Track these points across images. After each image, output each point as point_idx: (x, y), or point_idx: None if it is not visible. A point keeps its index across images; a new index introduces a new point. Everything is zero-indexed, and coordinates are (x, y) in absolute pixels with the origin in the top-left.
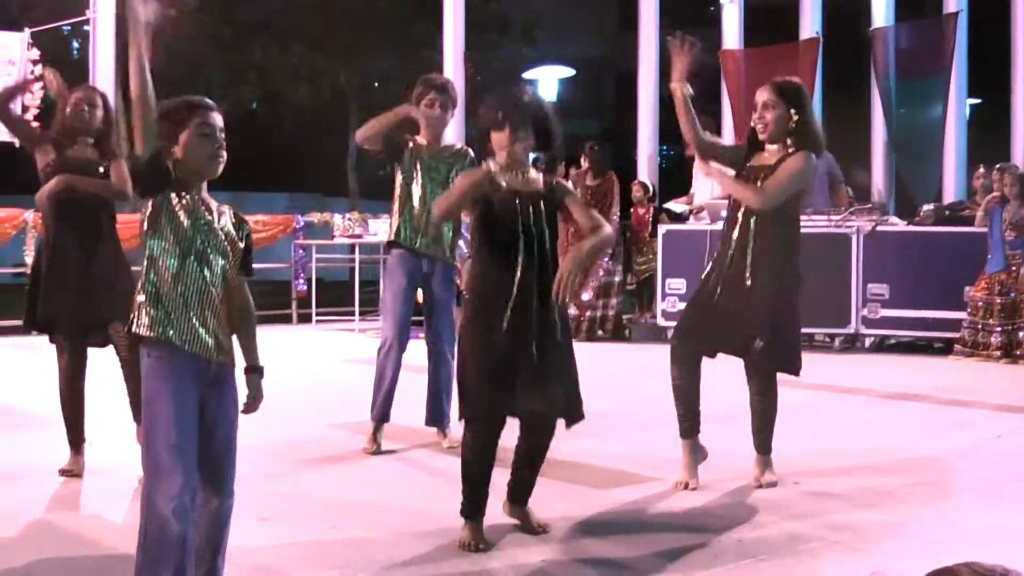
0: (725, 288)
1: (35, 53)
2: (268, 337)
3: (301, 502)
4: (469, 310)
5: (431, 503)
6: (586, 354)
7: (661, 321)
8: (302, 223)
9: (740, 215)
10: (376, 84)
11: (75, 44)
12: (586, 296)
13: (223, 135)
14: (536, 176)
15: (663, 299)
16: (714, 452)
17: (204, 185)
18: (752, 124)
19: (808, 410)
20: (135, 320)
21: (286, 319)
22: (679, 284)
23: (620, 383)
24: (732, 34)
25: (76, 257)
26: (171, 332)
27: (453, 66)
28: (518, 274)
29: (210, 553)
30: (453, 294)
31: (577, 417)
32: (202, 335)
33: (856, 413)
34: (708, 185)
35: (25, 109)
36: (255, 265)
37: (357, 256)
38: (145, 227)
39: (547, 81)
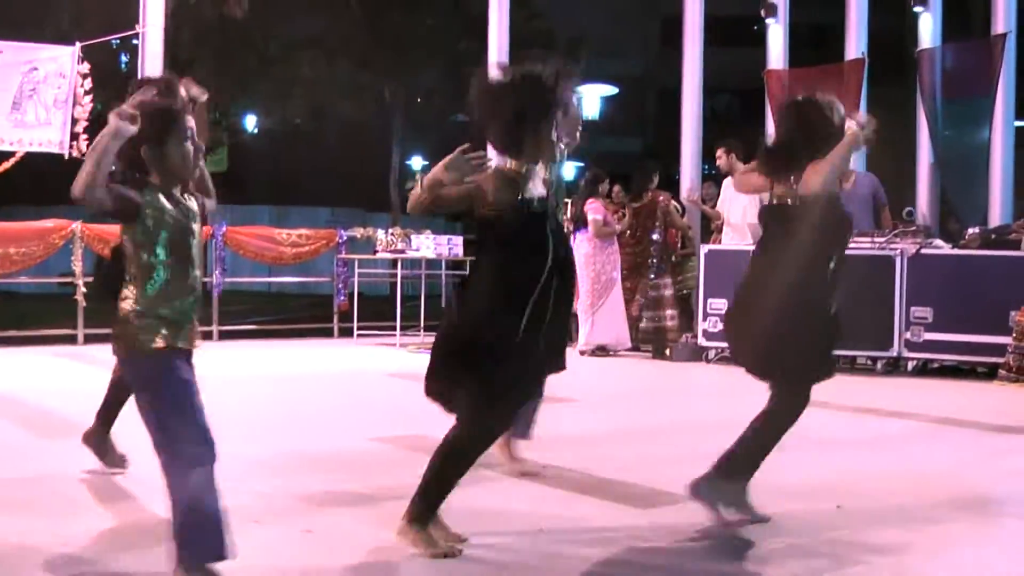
0: None
1: (85, 67)
2: (310, 351)
3: (345, 515)
4: None
5: (477, 518)
6: (629, 372)
7: (702, 341)
8: (345, 238)
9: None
10: (419, 100)
11: (124, 57)
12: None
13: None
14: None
15: (704, 319)
16: (756, 473)
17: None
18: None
19: (851, 433)
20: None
21: (327, 333)
22: (721, 304)
23: (663, 402)
24: (777, 54)
25: None
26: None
27: None
28: None
29: None
30: None
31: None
32: None
33: (899, 437)
34: (740, 204)
35: (75, 122)
36: (300, 279)
37: (399, 271)
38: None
39: (590, 99)
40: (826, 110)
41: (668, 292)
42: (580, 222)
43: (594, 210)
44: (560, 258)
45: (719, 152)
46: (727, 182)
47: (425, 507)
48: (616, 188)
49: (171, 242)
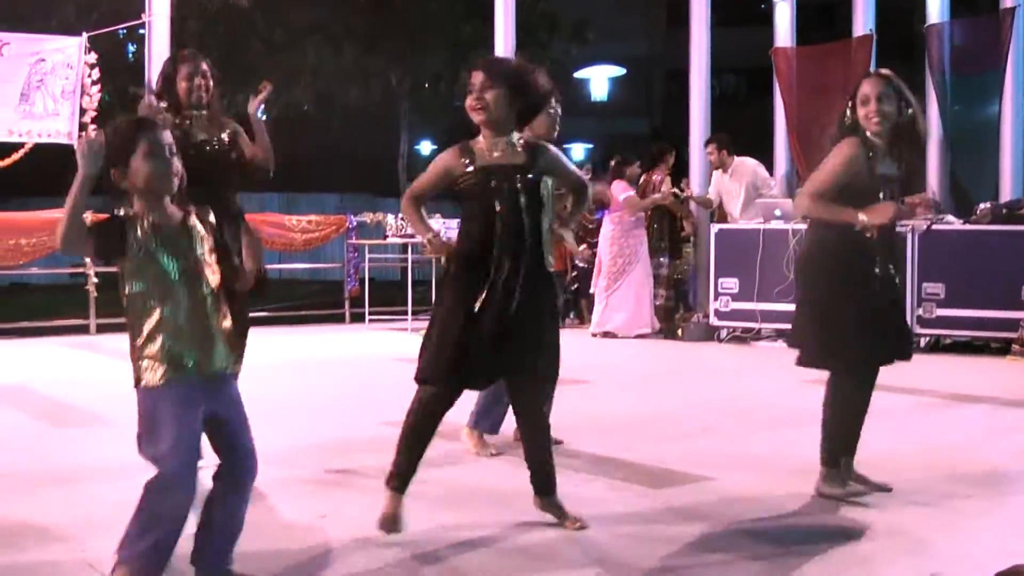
0: (892, 294)
1: (92, 57)
2: (321, 337)
3: (359, 499)
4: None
5: (484, 505)
6: (640, 352)
7: (714, 320)
8: (355, 223)
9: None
10: (426, 85)
11: (131, 47)
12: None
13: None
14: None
15: (715, 298)
16: (768, 452)
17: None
18: (862, 118)
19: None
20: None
21: (339, 319)
22: (731, 283)
23: (675, 382)
24: (784, 32)
25: None
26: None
27: None
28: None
29: None
30: None
31: None
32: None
33: (912, 414)
34: (737, 188)
35: (83, 112)
36: (310, 265)
37: (410, 256)
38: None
39: (598, 80)
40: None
41: (663, 272)
42: (604, 205)
43: (623, 188)
44: (513, 240)
45: (710, 148)
46: (716, 174)
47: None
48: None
49: (158, 276)
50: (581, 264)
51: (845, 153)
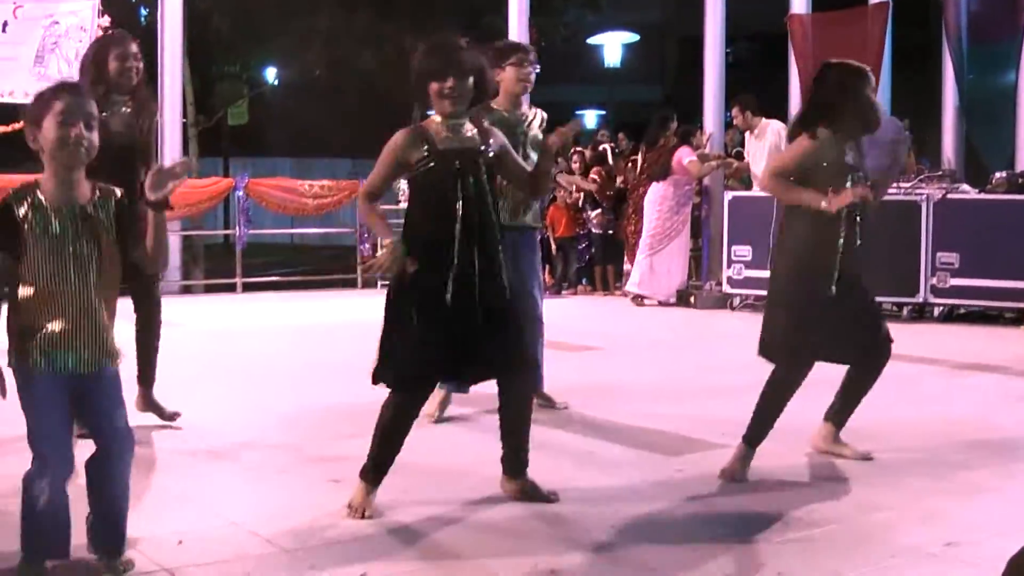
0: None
1: (106, 20)
2: (334, 301)
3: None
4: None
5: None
6: (652, 319)
7: (727, 288)
8: None
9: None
10: None
11: (143, 11)
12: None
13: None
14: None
15: (729, 266)
16: (781, 420)
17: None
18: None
19: (878, 380)
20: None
21: (351, 283)
22: (745, 251)
23: (688, 350)
24: None
25: None
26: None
27: (518, 32)
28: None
29: None
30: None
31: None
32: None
33: (927, 383)
34: (762, 150)
35: None
36: (322, 230)
37: None
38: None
39: (611, 46)
40: (847, 77)
41: None
42: (659, 175)
43: (688, 153)
44: (474, 225)
45: (734, 111)
46: (748, 137)
47: None
48: (620, 136)
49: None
50: (596, 231)
51: (806, 143)
